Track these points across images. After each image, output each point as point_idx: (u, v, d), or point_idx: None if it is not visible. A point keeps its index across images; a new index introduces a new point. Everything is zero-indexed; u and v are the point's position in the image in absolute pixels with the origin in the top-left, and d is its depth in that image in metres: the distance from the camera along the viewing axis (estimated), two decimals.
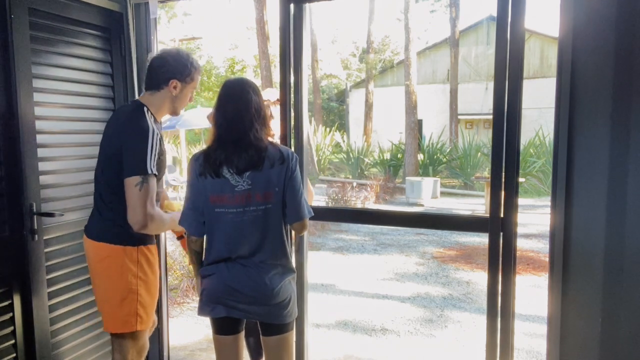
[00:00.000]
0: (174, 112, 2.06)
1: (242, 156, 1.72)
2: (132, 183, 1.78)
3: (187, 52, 2.02)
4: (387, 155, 15.54)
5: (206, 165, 1.74)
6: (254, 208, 1.74)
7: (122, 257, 1.89)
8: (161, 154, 1.89)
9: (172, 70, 1.93)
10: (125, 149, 1.82)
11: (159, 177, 1.92)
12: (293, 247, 2.09)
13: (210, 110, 2.28)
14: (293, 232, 1.93)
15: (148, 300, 1.96)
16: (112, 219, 1.89)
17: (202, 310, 1.81)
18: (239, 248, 1.76)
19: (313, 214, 1.87)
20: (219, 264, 1.78)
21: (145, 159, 1.80)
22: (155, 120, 1.95)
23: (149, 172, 1.80)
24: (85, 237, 1.98)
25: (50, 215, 2.15)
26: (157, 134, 1.87)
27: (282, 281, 1.78)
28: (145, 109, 1.92)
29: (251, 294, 1.75)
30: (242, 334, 1.88)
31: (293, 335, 1.90)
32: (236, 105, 1.75)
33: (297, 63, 2.05)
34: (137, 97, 2.50)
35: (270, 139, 2.74)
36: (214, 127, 1.80)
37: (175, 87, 1.95)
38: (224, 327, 1.82)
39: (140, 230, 1.83)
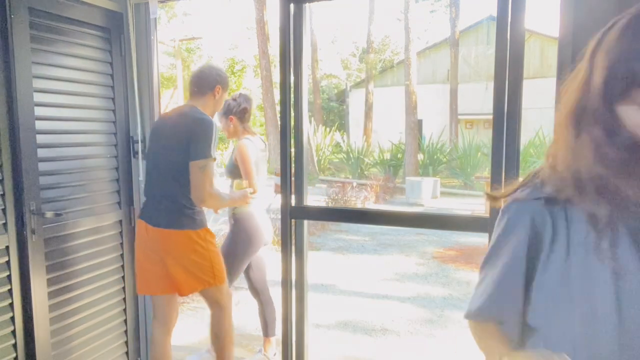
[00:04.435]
0: (212, 114, 2.44)
1: None
2: (197, 165, 2.18)
3: (221, 67, 2.51)
4: (387, 155, 15.54)
5: None
6: None
7: (196, 238, 2.28)
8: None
9: (217, 79, 2.39)
10: (193, 139, 2.18)
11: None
12: None
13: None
14: None
15: (219, 262, 2.37)
16: (183, 209, 2.23)
17: None
18: None
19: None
20: None
21: (209, 146, 2.19)
22: None
23: (212, 156, 2.20)
24: (151, 227, 2.26)
25: (50, 215, 2.15)
26: (217, 127, 2.27)
27: None
28: (199, 109, 2.32)
29: None
30: None
31: None
32: None
33: (297, 63, 2.05)
34: (136, 97, 2.57)
35: (248, 137, 2.94)
36: None
37: (218, 92, 2.39)
38: None
39: (201, 205, 2.25)
